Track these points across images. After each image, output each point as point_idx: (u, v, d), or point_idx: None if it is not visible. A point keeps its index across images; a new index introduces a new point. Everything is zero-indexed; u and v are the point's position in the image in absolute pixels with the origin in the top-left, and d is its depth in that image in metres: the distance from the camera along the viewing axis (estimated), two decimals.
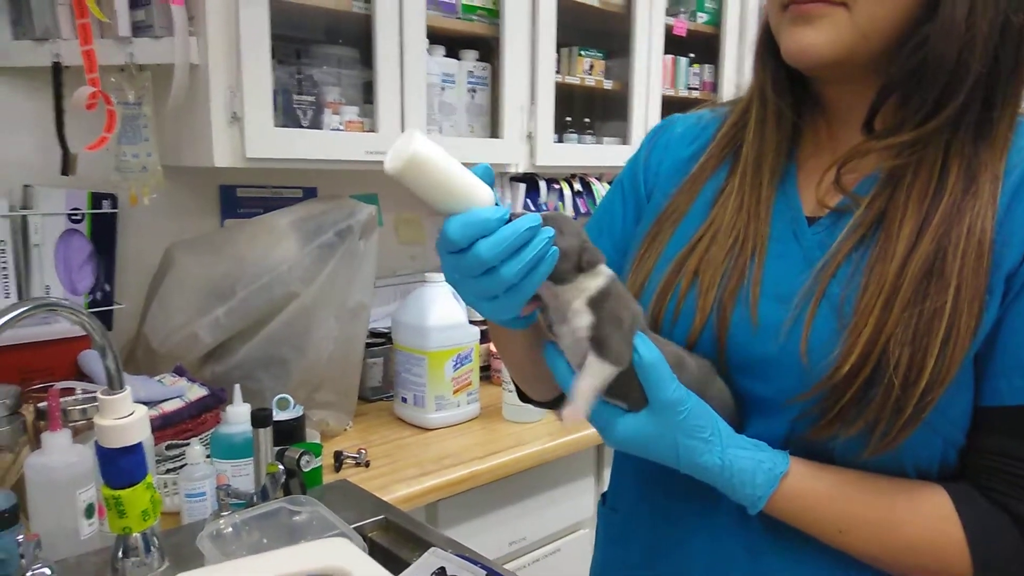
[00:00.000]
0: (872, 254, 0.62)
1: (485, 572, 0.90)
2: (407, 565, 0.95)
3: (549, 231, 0.57)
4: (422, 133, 0.55)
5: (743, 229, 0.70)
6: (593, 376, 0.62)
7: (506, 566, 0.97)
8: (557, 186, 2.16)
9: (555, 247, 0.57)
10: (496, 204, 0.57)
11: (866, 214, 0.64)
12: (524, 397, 0.86)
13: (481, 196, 0.56)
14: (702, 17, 2.33)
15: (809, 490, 0.64)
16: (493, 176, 0.60)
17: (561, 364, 0.65)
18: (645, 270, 0.75)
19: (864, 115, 0.66)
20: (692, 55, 2.34)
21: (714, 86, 2.40)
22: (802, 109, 0.72)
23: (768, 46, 0.70)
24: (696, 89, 2.37)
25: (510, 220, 0.56)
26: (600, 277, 0.61)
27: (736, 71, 2.41)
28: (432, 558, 0.94)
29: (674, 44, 2.23)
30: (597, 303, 0.61)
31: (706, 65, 2.38)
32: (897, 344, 0.58)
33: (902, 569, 0.64)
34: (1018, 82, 0.62)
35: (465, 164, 0.57)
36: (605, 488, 0.87)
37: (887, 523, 0.63)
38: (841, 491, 0.64)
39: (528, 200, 2.11)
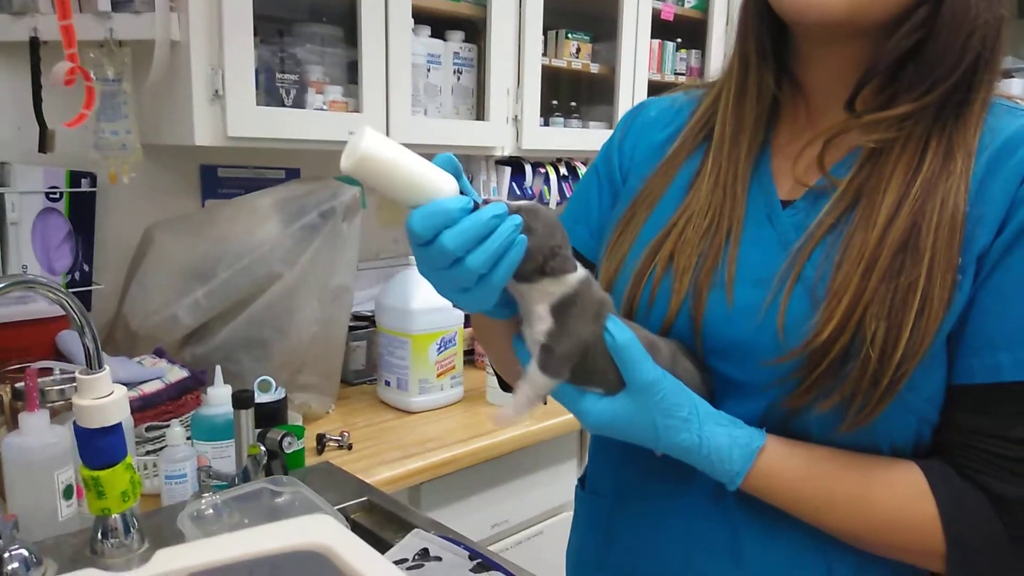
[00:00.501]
0: (851, 226, 0.63)
1: (468, 553, 0.90)
2: (390, 546, 0.95)
3: (516, 219, 0.56)
4: (373, 128, 0.54)
5: (719, 208, 0.70)
6: (532, 386, 0.63)
7: (489, 548, 0.97)
8: (543, 170, 2.15)
9: (523, 236, 0.56)
10: (460, 194, 0.57)
11: (844, 195, 0.65)
12: (506, 386, 0.86)
13: (442, 187, 0.56)
14: (690, 2, 2.32)
15: (786, 467, 0.64)
16: (457, 165, 0.59)
17: (526, 358, 0.65)
18: (619, 255, 0.74)
19: (843, 94, 0.66)
20: (679, 40, 2.34)
21: (701, 71, 2.40)
22: (781, 88, 0.72)
23: (757, 8, 0.70)
24: (683, 74, 2.36)
25: (477, 209, 0.55)
26: (566, 285, 0.60)
27: (723, 57, 2.40)
28: (415, 539, 0.94)
29: (661, 29, 2.22)
30: (560, 310, 0.60)
31: (693, 50, 2.38)
32: (873, 318, 0.59)
33: (877, 546, 0.65)
34: (995, 66, 0.64)
35: (448, 147, 0.56)
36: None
37: (862, 500, 0.64)
38: (817, 468, 0.64)
39: (513, 183, 2.10)
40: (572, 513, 1.75)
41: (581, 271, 0.62)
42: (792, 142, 0.71)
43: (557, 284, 0.60)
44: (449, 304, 1.79)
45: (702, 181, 0.72)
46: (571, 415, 1.69)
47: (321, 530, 0.51)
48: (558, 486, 1.66)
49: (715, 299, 0.68)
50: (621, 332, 0.62)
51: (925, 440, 0.65)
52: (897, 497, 0.63)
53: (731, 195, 0.70)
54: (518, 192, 2.11)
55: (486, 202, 0.56)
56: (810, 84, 0.71)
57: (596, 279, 0.74)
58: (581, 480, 0.86)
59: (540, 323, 0.61)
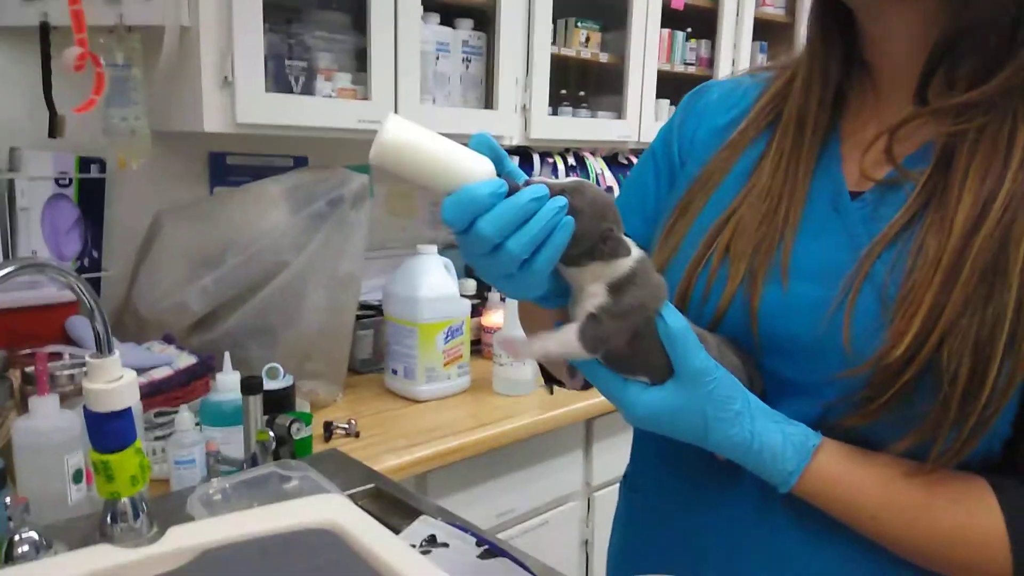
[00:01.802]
0: (922, 229, 0.58)
1: (475, 539, 0.90)
2: (397, 533, 0.95)
3: (559, 200, 0.52)
4: (398, 116, 0.52)
5: (779, 194, 0.66)
6: (560, 344, 0.58)
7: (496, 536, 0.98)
8: (551, 160, 2.15)
9: (569, 218, 0.53)
10: (499, 176, 0.54)
11: (920, 192, 0.59)
12: (550, 378, 0.82)
13: (474, 171, 0.53)
14: None
15: (843, 470, 0.60)
16: (495, 147, 0.55)
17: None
18: (673, 243, 0.71)
19: (913, 78, 0.61)
20: (689, 30, 2.32)
21: (710, 62, 2.38)
22: (851, 76, 0.68)
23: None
24: (692, 64, 2.35)
25: (517, 190, 0.52)
26: (621, 267, 0.57)
27: (733, 47, 2.39)
28: (422, 526, 0.94)
29: (671, 18, 2.21)
30: (616, 288, 0.57)
31: (703, 40, 2.37)
32: (955, 354, 0.54)
33: (937, 561, 0.61)
34: None
35: (456, 135, 0.54)
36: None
37: (925, 510, 0.60)
38: (877, 473, 0.60)
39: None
40: (578, 503, 1.75)
41: (636, 251, 0.58)
42: (860, 129, 0.67)
43: (611, 267, 0.57)
44: (456, 293, 1.79)
45: (764, 165, 0.68)
46: (578, 404, 1.69)
47: (332, 508, 0.51)
48: (565, 475, 1.66)
49: (771, 293, 0.64)
50: (675, 319, 0.59)
51: (995, 454, 0.60)
52: (963, 509, 0.59)
53: (792, 179, 0.66)
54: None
55: (528, 183, 0.53)
56: (878, 66, 0.66)
57: None
58: (625, 476, 0.83)
59: (593, 299, 0.57)
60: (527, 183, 0.53)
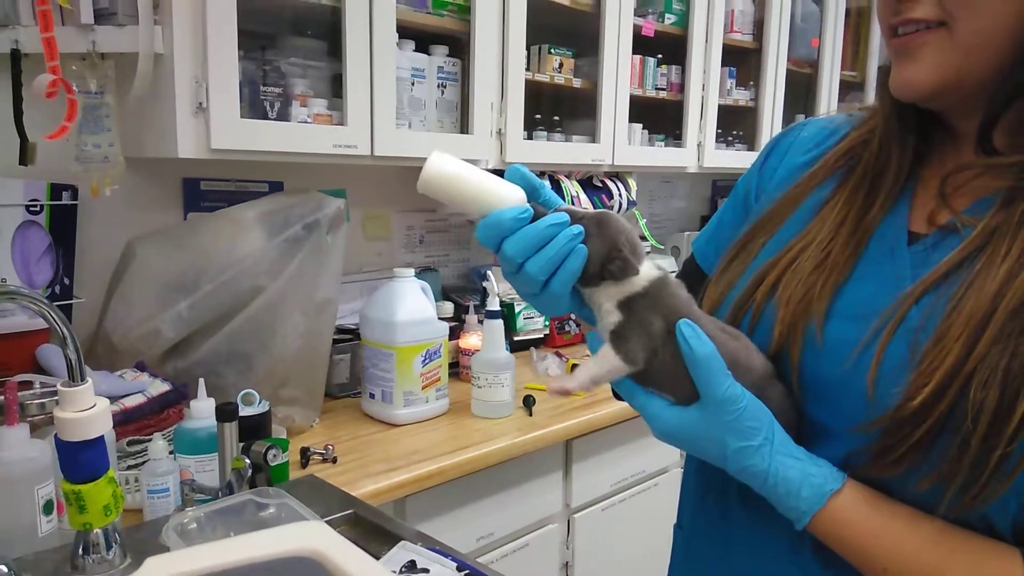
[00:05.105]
0: (971, 276, 0.57)
1: (455, 564, 0.90)
2: (376, 559, 0.94)
3: (576, 229, 0.58)
4: (441, 151, 0.60)
5: (840, 243, 0.66)
6: (600, 365, 0.62)
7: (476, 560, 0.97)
8: None
9: (582, 246, 0.59)
10: (527, 204, 0.60)
11: (974, 239, 0.59)
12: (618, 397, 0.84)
13: (505, 198, 0.60)
14: (670, 18, 2.35)
15: (860, 517, 0.59)
16: (528, 177, 0.61)
17: (597, 347, 0.64)
18: (728, 279, 0.71)
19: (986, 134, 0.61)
20: (660, 56, 2.36)
21: (681, 86, 2.42)
22: (931, 132, 0.67)
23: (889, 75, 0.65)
24: (664, 90, 2.39)
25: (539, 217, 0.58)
26: (631, 286, 0.61)
27: (703, 72, 2.43)
28: (402, 551, 0.94)
29: (642, 45, 2.25)
30: (627, 305, 0.62)
31: (673, 66, 2.41)
32: (981, 386, 0.53)
33: None
34: None
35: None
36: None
37: (939, 572, 0.57)
38: (896, 526, 0.59)
39: None
40: (558, 525, 1.75)
41: (652, 272, 0.62)
42: (936, 175, 0.66)
43: (621, 287, 0.62)
44: (433, 316, 1.79)
45: (830, 211, 0.68)
46: (555, 427, 1.69)
47: (311, 535, 0.51)
48: (544, 498, 1.66)
49: (811, 330, 0.64)
50: (700, 344, 0.59)
51: None
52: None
53: (853, 236, 0.66)
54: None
55: (556, 211, 0.59)
56: (955, 130, 0.66)
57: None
58: (678, 515, 0.83)
59: (609, 316, 0.62)
60: (556, 211, 0.59)
